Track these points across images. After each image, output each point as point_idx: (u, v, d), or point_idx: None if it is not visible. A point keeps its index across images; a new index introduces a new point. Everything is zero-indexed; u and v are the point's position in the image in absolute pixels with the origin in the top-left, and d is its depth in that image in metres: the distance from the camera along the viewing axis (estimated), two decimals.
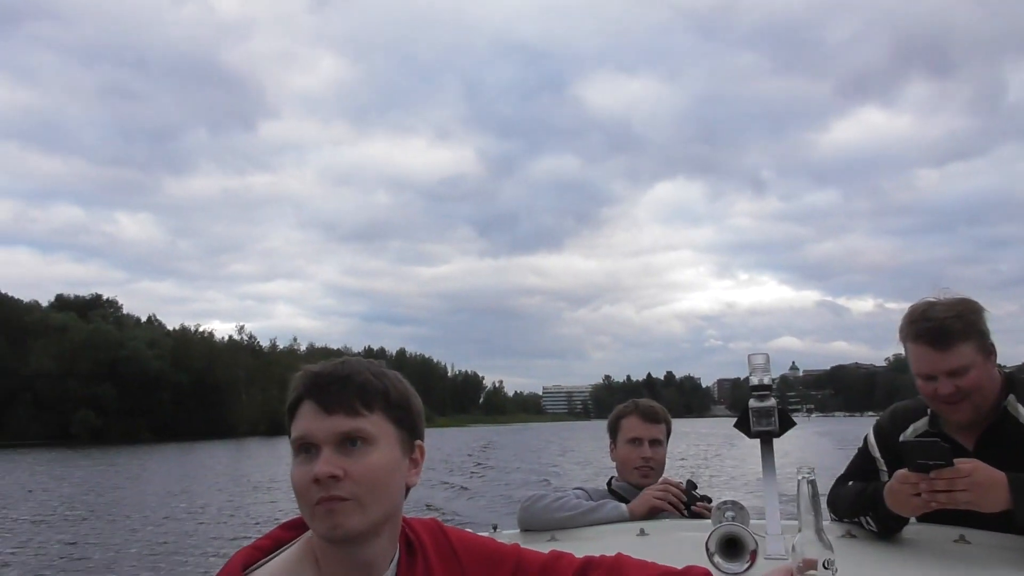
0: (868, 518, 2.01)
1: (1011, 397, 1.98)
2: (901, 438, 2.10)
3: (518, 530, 2.35)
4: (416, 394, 1.26)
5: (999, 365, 2.06)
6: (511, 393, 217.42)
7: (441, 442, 51.41)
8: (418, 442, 1.24)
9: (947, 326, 1.93)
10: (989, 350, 1.98)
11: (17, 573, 11.40)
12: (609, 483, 2.76)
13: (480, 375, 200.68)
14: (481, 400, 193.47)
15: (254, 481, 25.99)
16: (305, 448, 1.13)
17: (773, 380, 2.11)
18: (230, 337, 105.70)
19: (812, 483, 1.31)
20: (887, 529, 1.99)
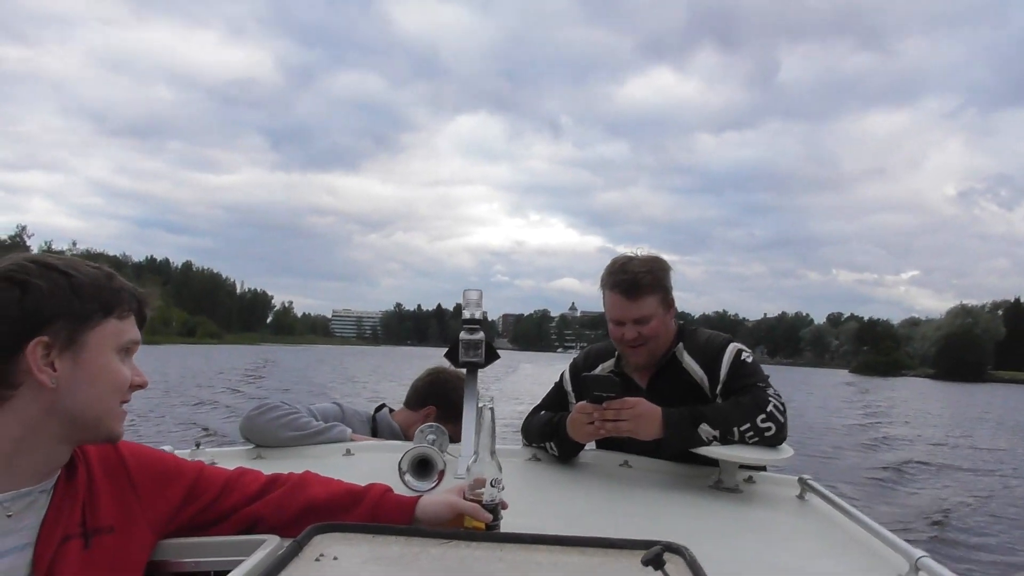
0: (552, 444, 2.24)
1: (680, 345, 2.28)
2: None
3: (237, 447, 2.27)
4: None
5: (678, 317, 2.37)
6: (300, 314, 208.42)
7: (222, 357, 49.05)
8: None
9: (639, 279, 2.19)
10: (670, 304, 2.28)
11: None
12: (378, 409, 2.70)
13: (269, 294, 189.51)
14: (269, 320, 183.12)
15: None
16: None
17: (484, 315, 2.24)
18: (16, 234, 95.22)
19: (491, 411, 1.42)
20: (566, 454, 2.24)
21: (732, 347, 2.20)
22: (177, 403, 18.13)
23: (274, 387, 24.80)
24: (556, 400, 2.44)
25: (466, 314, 2.20)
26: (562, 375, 2.49)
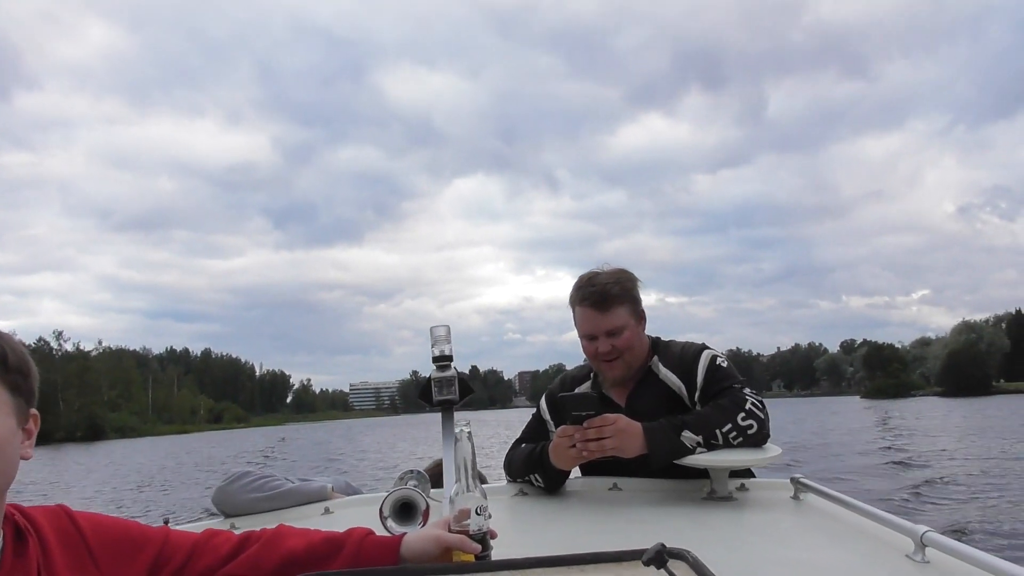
0: (536, 476, 2.18)
1: (655, 358, 2.25)
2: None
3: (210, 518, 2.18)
4: (31, 360, 1.11)
5: (650, 335, 2.34)
6: (318, 391, 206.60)
7: (244, 440, 49.48)
8: (33, 411, 1.11)
9: (607, 291, 2.16)
10: (641, 315, 2.25)
11: None
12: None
13: (287, 373, 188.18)
14: (290, 399, 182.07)
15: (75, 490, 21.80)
16: None
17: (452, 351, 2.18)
18: (40, 340, 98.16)
19: (468, 435, 1.36)
20: (552, 483, 2.17)
21: (707, 353, 2.18)
22: (184, 487, 17.94)
23: (285, 464, 24.71)
24: (536, 431, 2.38)
25: (435, 352, 2.14)
26: (539, 404, 2.43)
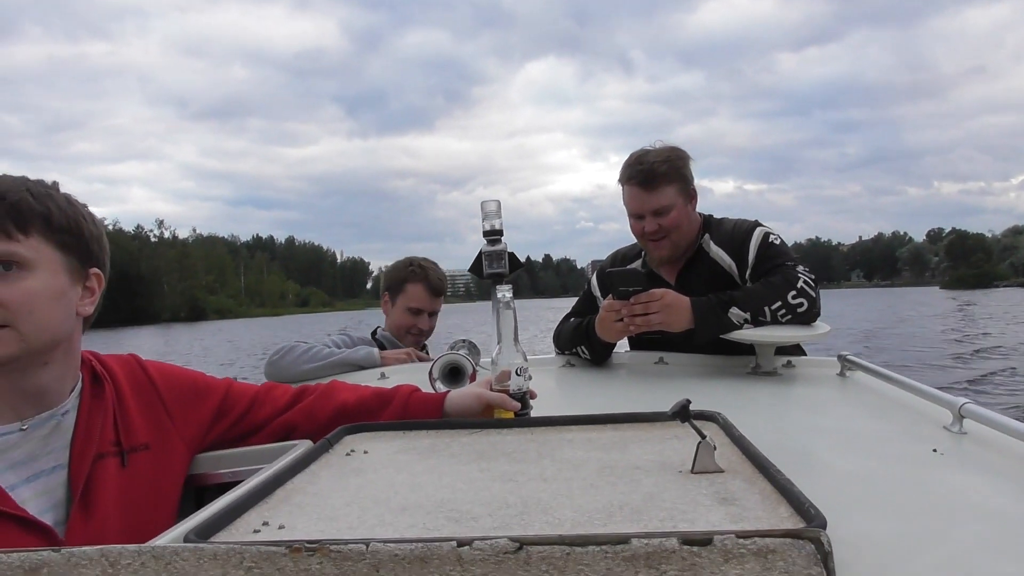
0: (583, 348, 2.23)
1: (706, 236, 2.23)
2: None
3: None
4: (95, 220, 1.16)
5: (702, 213, 2.31)
6: None
7: (330, 321, 51.69)
8: (94, 270, 1.16)
9: (655, 169, 2.13)
10: (691, 194, 2.21)
11: None
12: (374, 332, 2.76)
13: (366, 260, 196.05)
14: (369, 285, 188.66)
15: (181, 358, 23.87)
16: None
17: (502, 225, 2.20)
18: (139, 227, 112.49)
19: (509, 300, 1.40)
20: (598, 356, 2.21)
21: (759, 231, 2.14)
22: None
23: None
24: (585, 305, 2.41)
25: (486, 226, 2.14)
26: (589, 280, 2.45)
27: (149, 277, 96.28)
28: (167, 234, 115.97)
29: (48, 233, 1.07)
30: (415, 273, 2.71)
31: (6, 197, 1.04)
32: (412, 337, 2.70)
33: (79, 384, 1.17)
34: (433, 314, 2.74)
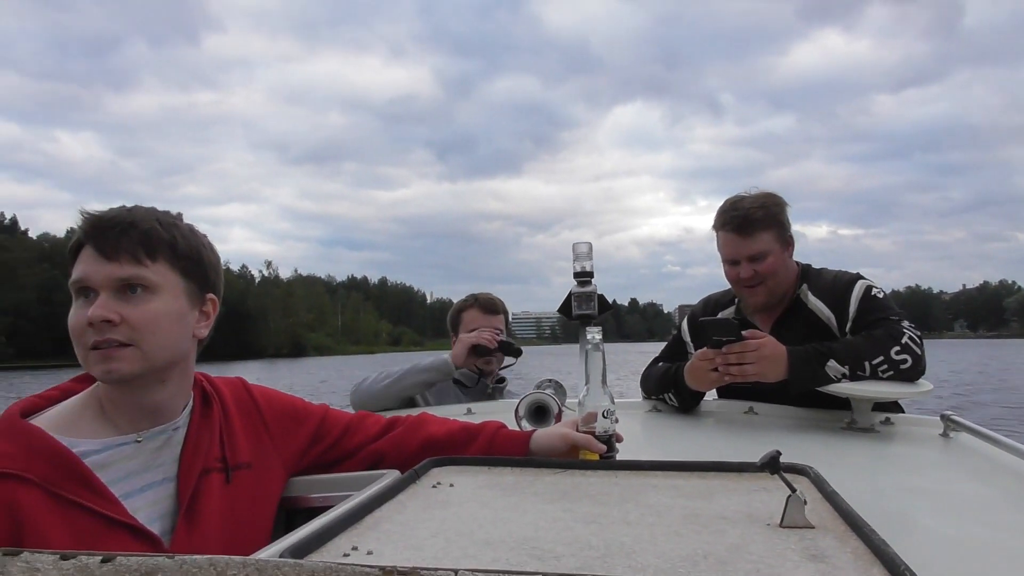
0: (670, 394, 2.20)
1: (804, 286, 2.18)
2: None
3: None
4: (212, 249, 1.25)
5: (800, 262, 2.26)
6: None
7: (419, 359, 54.94)
8: (210, 295, 1.24)
9: (750, 215, 2.10)
10: (788, 241, 2.17)
11: None
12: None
13: (454, 301, 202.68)
14: None
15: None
16: (83, 292, 1.11)
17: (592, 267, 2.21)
18: (242, 267, 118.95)
19: (599, 343, 1.41)
20: (685, 404, 2.18)
21: (861, 283, 2.08)
22: None
23: None
24: (675, 351, 2.39)
25: (576, 267, 2.17)
26: (680, 325, 2.43)
27: (256, 314, 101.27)
28: (272, 273, 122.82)
29: (173, 260, 1.16)
30: (466, 301, 2.86)
31: (138, 226, 1.13)
32: (483, 362, 2.72)
33: (191, 402, 1.25)
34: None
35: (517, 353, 2.66)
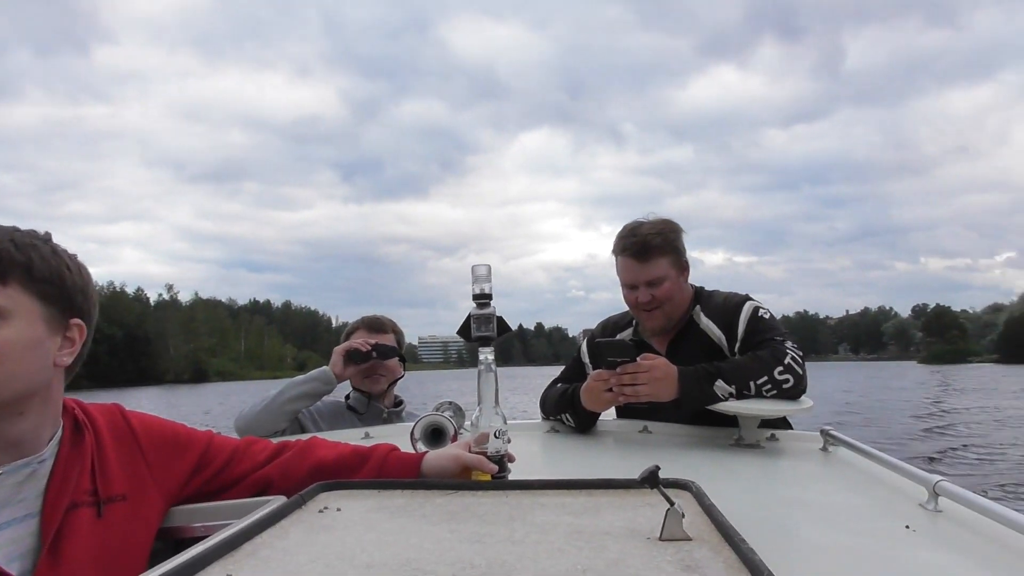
0: (568, 415, 2.23)
1: (697, 307, 2.25)
2: None
3: None
4: (81, 271, 1.16)
5: (694, 284, 2.34)
6: None
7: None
8: (75, 320, 1.16)
9: (648, 241, 2.17)
10: (683, 266, 2.25)
11: None
12: (347, 396, 2.79)
13: None
14: None
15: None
16: None
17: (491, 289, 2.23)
18: (137, 290, 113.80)
19: (491, 364, 1.41)
20: (582, 424, 2.22)
21: (749, 305, 2.17)
22: None
23: None
24: (574, 372, 2.42)
25: (475, 289, 2.18)
26: (579, 347, 2.47)
27: (154, 338, 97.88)
28: (171, 297, 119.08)
29: (28, 283, 1.08)
30: (355, 324, 2.86)
31: None
32: (369, 381, 2.68)
33: (59, 432, 1.17)
34: None
35: (395, 353, 2.65)
